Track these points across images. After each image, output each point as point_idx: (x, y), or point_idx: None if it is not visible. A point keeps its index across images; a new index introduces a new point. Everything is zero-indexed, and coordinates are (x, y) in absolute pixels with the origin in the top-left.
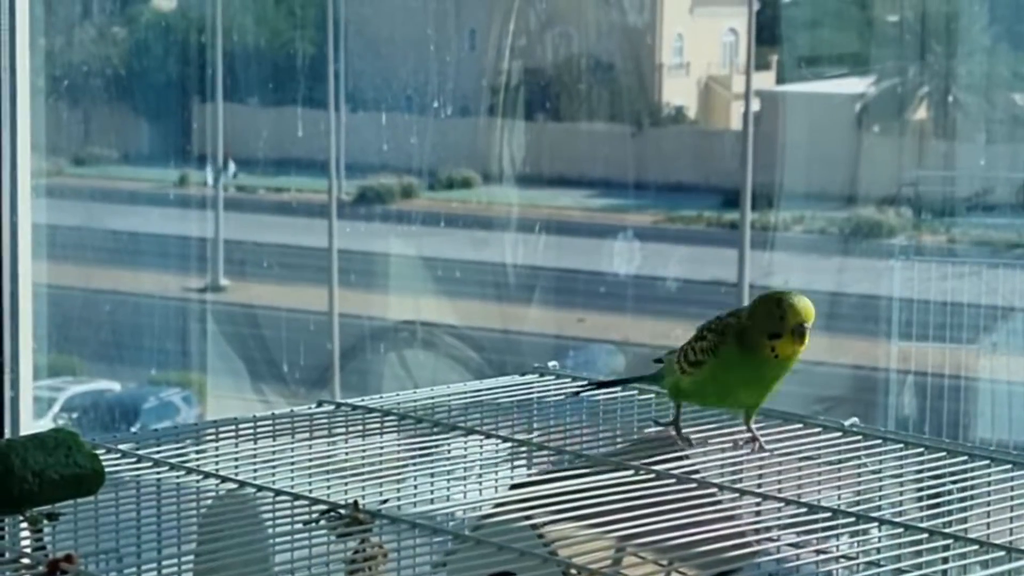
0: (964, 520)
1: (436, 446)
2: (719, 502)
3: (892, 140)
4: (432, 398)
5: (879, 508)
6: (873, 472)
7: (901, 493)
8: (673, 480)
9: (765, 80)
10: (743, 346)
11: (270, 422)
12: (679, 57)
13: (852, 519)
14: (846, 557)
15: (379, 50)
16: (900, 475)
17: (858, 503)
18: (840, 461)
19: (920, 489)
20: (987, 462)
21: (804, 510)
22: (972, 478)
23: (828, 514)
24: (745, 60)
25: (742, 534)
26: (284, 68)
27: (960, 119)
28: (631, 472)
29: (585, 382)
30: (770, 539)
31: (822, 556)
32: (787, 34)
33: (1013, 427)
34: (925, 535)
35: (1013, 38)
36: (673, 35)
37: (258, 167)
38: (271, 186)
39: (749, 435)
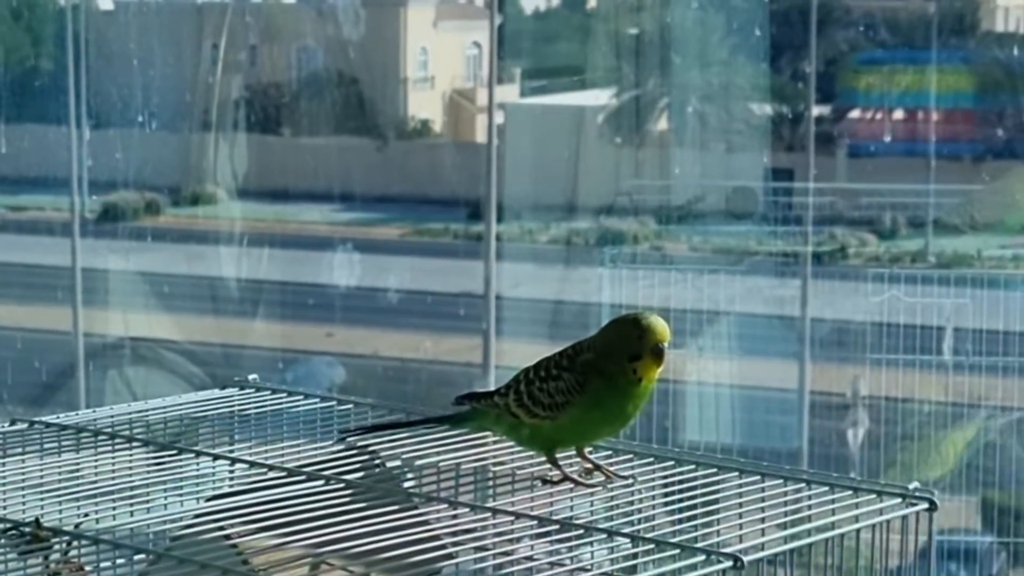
0: (694, 528)
1: (132, 462)
2: (414, 508)
3: (631, 151)
4: (129, 414)
5: (570, 512)
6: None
7: (632, 503)
8: (363, 489)
9: (509, 93)
10: (605, 377)
11: None
12: (424, 71)
13: (533, 523)
14: (530, 559)
15: (118, 67)
16: (632, 485)
17: (551, 509)
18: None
19: (656, 498)
20: (714, 470)
21: (488, 514)
22: (704, 486)
23: (517, 519)
24: (489, 73)
25: (437, 538)
26: (20, 84)
27: (699, 129)
28: (321, 482)
29: (324, 400)
30: (464, 544)
31: (511, 557)
32: (530, 48)
33: (719, 429)
34: (653, 545)
35: (749, 49)
36: (417, 49)
37: None
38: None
39: (590, 466)
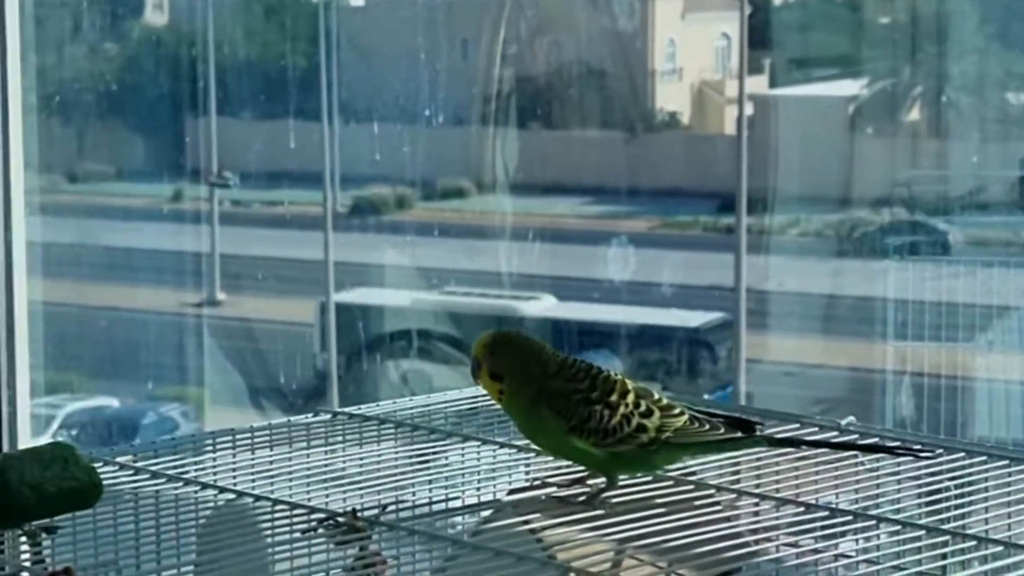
0: (962, 516)
1: (433, 453)
2: (717, 503)
3: (885, 141)
4: (428, 406)
5: (877, 506)
6: (870, 470)
7: (899, 491)
8: (671, 482)
9: (758, 84)
10: None
11: (267, 432)
12: (671, 63)
13: (850, 517)
14: (844, 555)
15: (371, 61)
16: (898, 473)
17: (856, 502)
18: (837, 460)
19: (919, 487)
20: (984, 458)
21: (802, 509)
22: (969, 475)
23: (826, 513)
24: (738, 64)
25: (739, 534)
26: (276, 81)
27: (953, 119)
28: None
29: None
30: (768, 539)
31: (820, 555)
32: (779, 37)
33: (1010, 425)
34: (923, 532)
35: (1005, 37)
36: (665, 41)
37: (252, 180)
38: (266, 199)
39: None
